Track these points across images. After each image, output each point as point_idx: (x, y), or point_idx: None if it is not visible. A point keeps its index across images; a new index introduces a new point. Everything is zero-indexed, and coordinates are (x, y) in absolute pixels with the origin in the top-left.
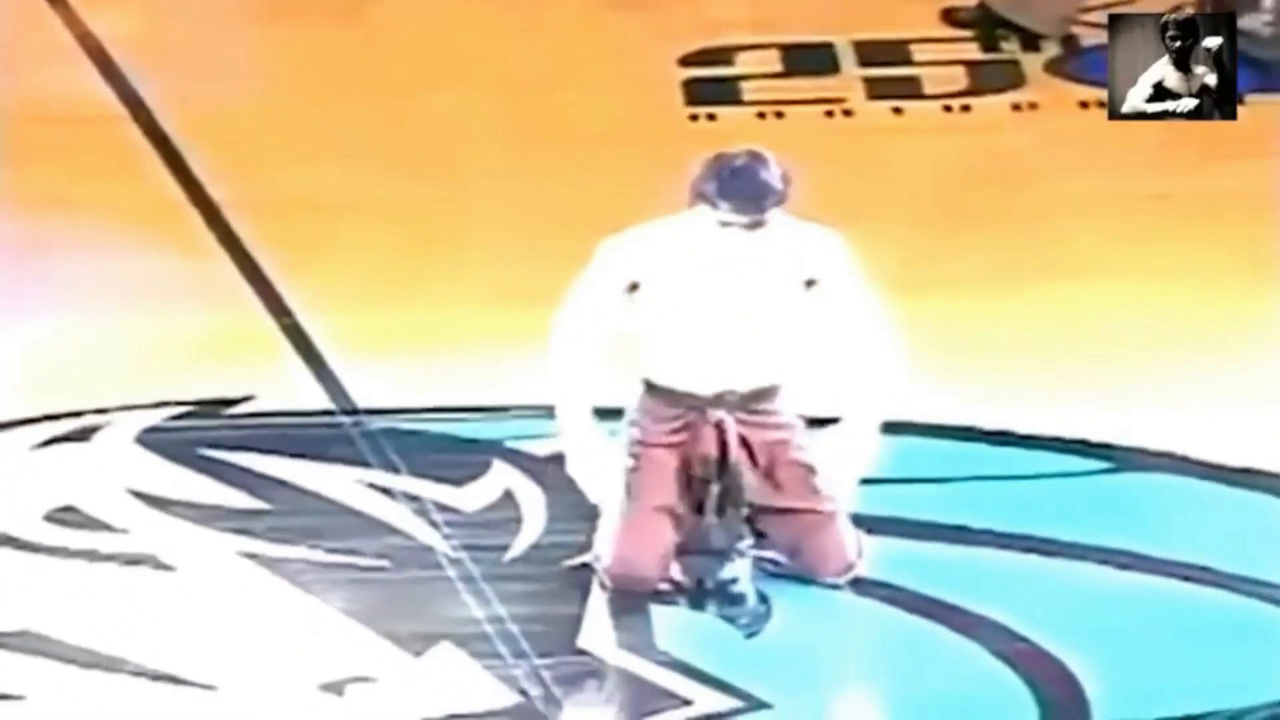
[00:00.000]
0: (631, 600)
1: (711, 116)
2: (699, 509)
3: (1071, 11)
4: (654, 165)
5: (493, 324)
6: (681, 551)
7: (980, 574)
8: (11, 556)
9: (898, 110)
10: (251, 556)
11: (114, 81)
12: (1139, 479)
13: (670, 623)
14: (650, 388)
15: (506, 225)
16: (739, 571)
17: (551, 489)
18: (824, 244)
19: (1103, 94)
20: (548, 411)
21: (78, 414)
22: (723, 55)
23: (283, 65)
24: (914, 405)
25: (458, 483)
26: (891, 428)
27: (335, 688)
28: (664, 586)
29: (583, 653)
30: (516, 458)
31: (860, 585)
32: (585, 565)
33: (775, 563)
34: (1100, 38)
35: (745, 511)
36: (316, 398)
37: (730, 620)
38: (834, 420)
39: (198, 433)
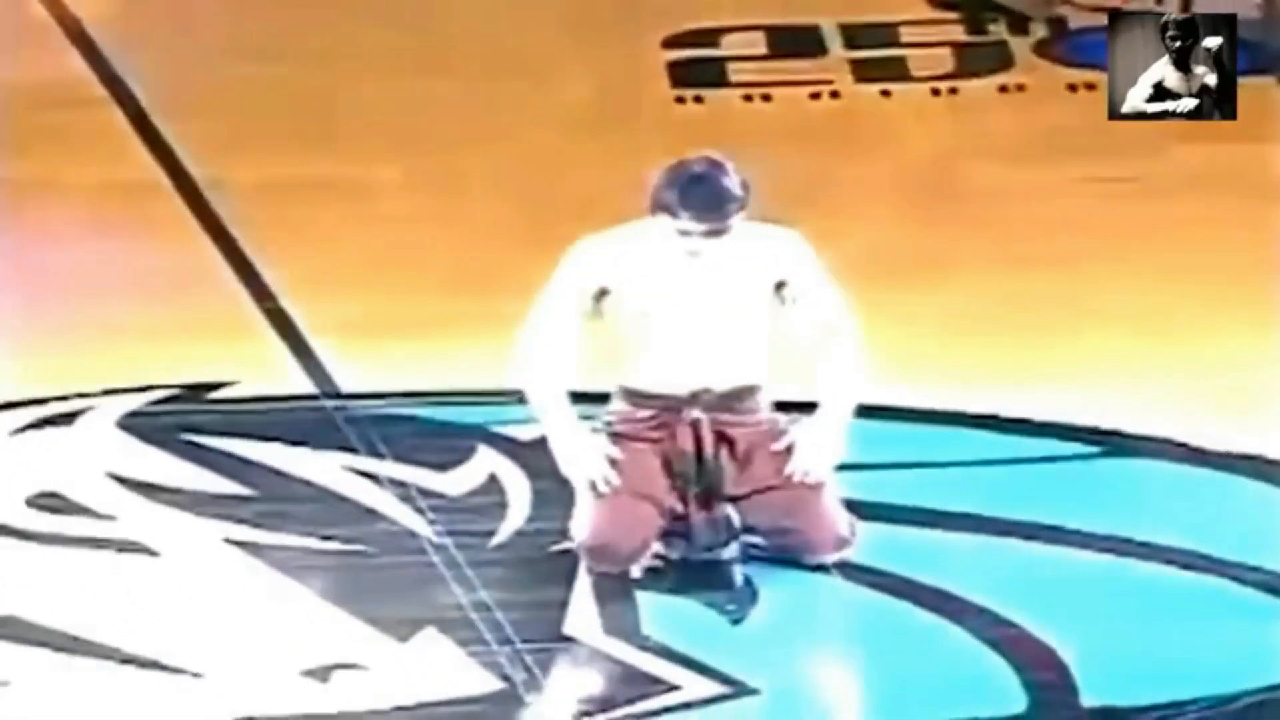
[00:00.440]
0: (617, 585)
1: (698, 99)
2: (683, 505)
3: None
4: (640, 147)
5: (479, 309)
6: (666, 534)
7: (967, 559)
8: None
9: (885, 92)
10: (236, 542)
11: (95, 63)
12: (1126, 464)
13: (656, 608)
14: (626, 392)
15: (492, 209)
16: (725, 556)
17: (536, 474)
18: (790, 246)
19: (1091, 76)
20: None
21: (61, 398)
22: (708, 37)
23: (267, 48)
24: (900, 389)
25: (442, 468)
26: (877, 413)
27: (320, 673)
28: (645, 563)
29: (568, 638)
30: (501, 442)
31: (846, 570)
32: (570, 551)
33: (761, 547)
34: (1088, 20)
35: (727, 509)
36: (300, 382)
37: (716, 606)
38: (808, 406)
39: (181, 417)
